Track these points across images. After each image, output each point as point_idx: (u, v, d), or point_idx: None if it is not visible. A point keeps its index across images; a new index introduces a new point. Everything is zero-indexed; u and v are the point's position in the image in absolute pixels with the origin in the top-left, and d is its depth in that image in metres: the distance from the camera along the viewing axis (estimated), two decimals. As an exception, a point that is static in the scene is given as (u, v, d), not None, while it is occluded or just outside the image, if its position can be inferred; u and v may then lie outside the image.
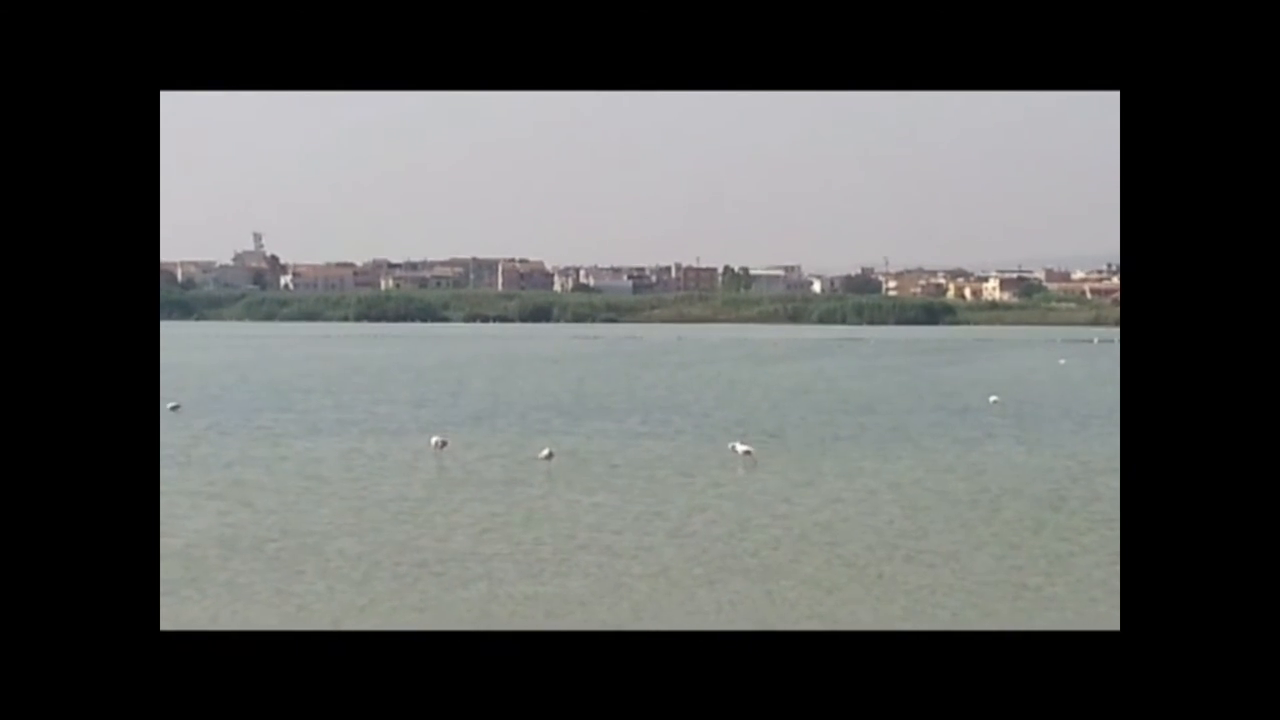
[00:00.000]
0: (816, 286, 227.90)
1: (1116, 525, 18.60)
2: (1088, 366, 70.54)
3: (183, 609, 14.98)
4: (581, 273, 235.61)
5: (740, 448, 29.17)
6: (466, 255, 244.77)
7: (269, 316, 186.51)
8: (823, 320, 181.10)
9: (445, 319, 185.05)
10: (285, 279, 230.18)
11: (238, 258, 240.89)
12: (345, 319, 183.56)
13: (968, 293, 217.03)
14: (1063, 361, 75.04)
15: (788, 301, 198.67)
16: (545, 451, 28.41)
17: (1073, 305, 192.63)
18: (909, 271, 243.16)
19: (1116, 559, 15.28)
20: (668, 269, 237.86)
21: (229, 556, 18.12)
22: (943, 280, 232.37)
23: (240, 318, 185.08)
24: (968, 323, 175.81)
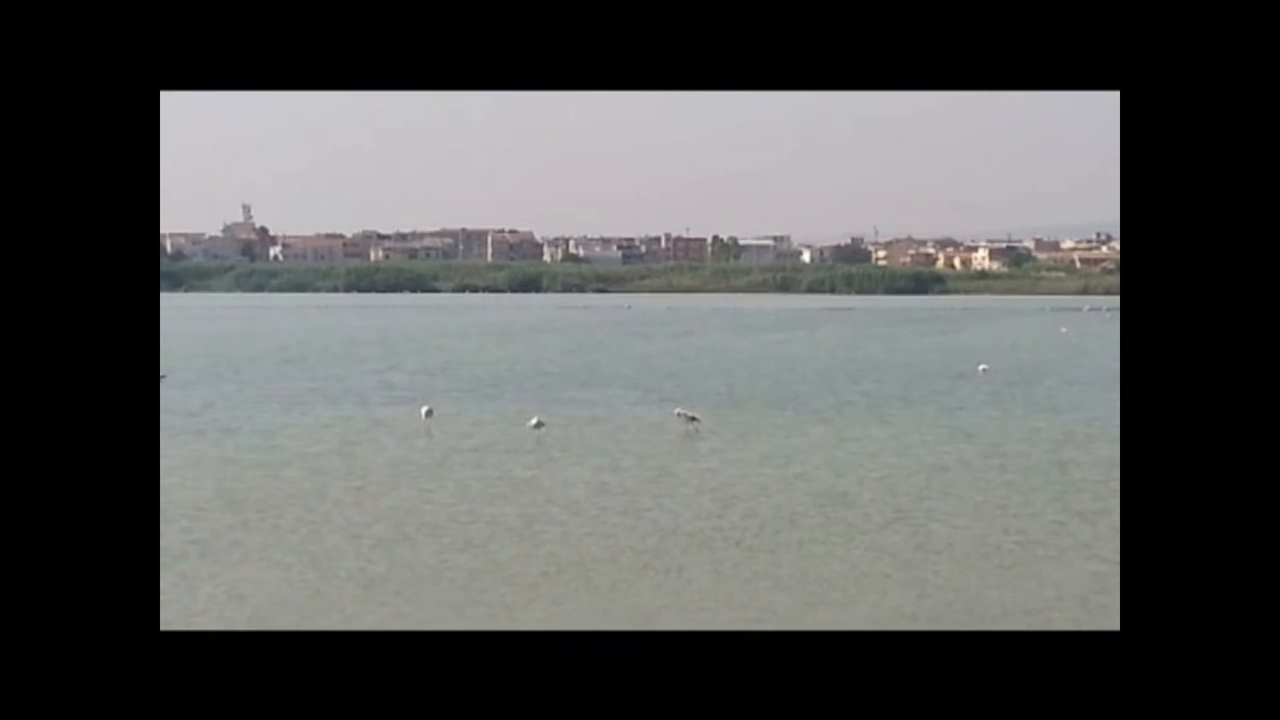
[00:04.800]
0: (806, 256, 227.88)
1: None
2: (1095, 333, 70.91)
3: (187, 581, 14.93)
4: (571, 243, 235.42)
5: (686, 413, 29.21)
6: (456, 226, 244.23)
7: (258, 288, 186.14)
8: (812, 290, 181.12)
9: (435, 290, 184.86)
10: (274, 250, 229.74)
11: (227, 229, 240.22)
12: (335, 290, 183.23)
13: (957, 262, 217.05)
14: (1064, 329, 75.28)
15: (777, 271, 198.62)
16: (534, 420, 28.34)
17: (1062, 275, 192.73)
18: (898, 241, 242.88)
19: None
20: (657, 239, 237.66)
21: (222, 522, 18.05)
22: (932, 250, 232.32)
23: (229, 289, 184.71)
24: (957, 292, 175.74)
